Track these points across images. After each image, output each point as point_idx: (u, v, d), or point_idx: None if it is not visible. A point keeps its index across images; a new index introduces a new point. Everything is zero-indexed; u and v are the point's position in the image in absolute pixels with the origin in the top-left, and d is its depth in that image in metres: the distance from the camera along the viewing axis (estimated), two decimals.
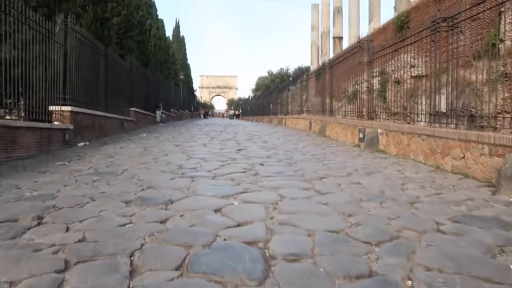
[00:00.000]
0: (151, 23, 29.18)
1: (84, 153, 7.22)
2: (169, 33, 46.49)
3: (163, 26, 35.42)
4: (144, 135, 12.10)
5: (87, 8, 16.20)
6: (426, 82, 10.17)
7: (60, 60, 8.22)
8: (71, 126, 8.36)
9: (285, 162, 6.05)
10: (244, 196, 3.65)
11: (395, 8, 21.78)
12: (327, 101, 12.40)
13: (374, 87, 9.17)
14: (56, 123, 8.06)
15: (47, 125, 7.36)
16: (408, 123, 9.71)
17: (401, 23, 14.06)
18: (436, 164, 5.75)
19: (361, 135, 8.78)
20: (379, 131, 7.80)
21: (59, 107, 8.23)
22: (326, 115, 12.40)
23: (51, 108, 8.11)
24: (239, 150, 7.74)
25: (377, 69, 9.54)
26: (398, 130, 7.07)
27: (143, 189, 3.90)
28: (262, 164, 5.76)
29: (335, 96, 11.86)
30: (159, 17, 34.02)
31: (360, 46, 9.31)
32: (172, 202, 3.38)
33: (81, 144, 8.74)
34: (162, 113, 20.40)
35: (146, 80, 18.05)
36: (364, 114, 9.36)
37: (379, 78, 9.67)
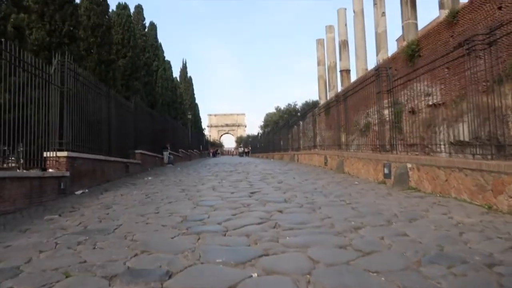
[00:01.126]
0: (158, 65, 29.35)
1: (79, 203, 6.46)
2: (176, 74, 47.05)
3: (170, 67, 35.72)
4: (150, 178, 11.36)
5: (92, 51, 16.05)
6: (445, 110, 9.44)
7: (56, 103, 7.65)
8: (68, 173, 7.65)
9: (307, 207, 5.19)
10: (264, 262, 2.80)
11: (402, 37, 21.45)
12: (343, 134, 11.63)
13: (395, 117, 8.40)
14: (50, 170, 7.37)
15: (38, 173, 6.64)
16: (428, 154, 8.84)
17: (412, 52, 13.50)
18: (487, 203, 4.84)
19: (386, 171, 7.92)
20: (409, 165, 6.93)
21: (54, 152, 7.58)
22: (343, 149, 11.58)
23: (46, 154, 7.46)
24: (252, 193, 6.90)
25: (397, 97, 8.84)
26: (432, 164, 6.20)
27: (136, 255, 3.08)
28: (281, 211, 4.91)
29: (350, 129, 11.09)
30: (166, 58, 34.38)
31: (377, 74, 8.64)
32: (170, 276, 2.54)
33: (79, 192, 8.01)
34: (169, 154, 19.77)
35: (152, 120, 17.56)
36: (386, 146, 8.53)
37: (396, 107, 8.96)
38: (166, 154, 19.27)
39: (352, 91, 10.76)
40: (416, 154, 7.30)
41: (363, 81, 9.95)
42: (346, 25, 31.18)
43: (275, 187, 7.77)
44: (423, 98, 10.97)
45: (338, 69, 32.02)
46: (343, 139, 11.72)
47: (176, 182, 9.61)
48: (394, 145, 8.39)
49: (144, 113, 15.99)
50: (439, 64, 7.81)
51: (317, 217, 4.48)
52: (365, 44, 28.28)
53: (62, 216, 5.21)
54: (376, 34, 24.43)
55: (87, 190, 8.28)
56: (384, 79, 8.48)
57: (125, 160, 12.17)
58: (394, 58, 15.62)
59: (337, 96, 12.83)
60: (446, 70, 10.13)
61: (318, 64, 36.67)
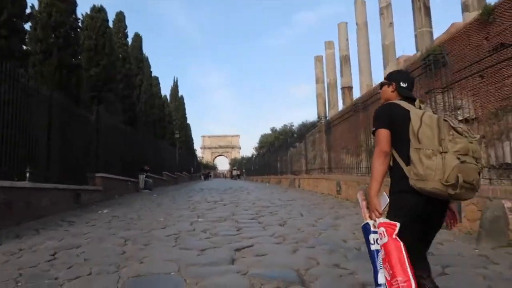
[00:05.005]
0: (142, 79, 26.61)
1: None
2: (167, 92, 44.45)
3: (158, 83, 33.07)
4: (105, 211, 8.38)
5: (51, 53, 13.24)
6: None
7: None
8: None
9: None
10: None
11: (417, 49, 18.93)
12: (364, 154, 8.77)
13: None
14: None
15: None
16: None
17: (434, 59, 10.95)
18: None
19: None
20: (508, 204, 4.05)
21: None
22: (365, 173, 8.69)
23: None
24: (237, 251, 3.97)
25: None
26: None
27: None
28: None
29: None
30: (154, 74, 31.76)
31: (426, 65, 5.88)
32: None
33: None
34: (147, 177, 16.73)
35: (124, 138, 14.62)
36: None
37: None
38: (142, 178, 16.21)
39: (377, 97, 7.92)
40: None
41: None
42: (347, 39, 28.89)
43: (277, 235, 4.82)
44: (450, 113, 8.23)
45: (339, 87, 29.59)
46: (363, 160, 8.85)
47: (131, 221, 6.63)
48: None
49: (111, 128, 13.06)
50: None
51: None
52: (369, 58, 25.88)
53: None
54: (383, 46, 21.95)
55: None
56: (439, 72, 5.71)
57: (74, 187, 9.17)
58: (407, 69, 12.93)
59: (356, 104, 10.01)
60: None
61: (317, 82, 34.23)
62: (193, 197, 11.76)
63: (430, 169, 1.77)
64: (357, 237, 4.64)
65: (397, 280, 1.75)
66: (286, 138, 31.45)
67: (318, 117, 18.22)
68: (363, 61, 25.89)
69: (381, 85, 2.24)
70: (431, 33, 17.12)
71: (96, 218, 7.29)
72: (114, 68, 18.18)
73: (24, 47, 11.05)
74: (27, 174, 7.38)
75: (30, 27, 12.87)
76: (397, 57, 28.95)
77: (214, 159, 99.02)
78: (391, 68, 21.87)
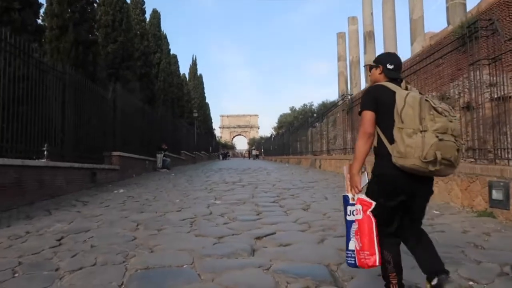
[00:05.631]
0: (161, 57, 26.22)
1: None
2: (185, 70, 44.12)
3: (176, 61, 32.66)
4: (121, 191, 8.16)
5: (68, 29, 12.91)
6: None
7: None
8: None
9: None
10: None
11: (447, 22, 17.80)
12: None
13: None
14: None
15: None
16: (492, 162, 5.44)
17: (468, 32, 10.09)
18: None
19: (495, 195, 4.51)
20: None
21: None
22: None
23: None
24: (258, 238, 3.58)
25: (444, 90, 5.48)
26: None
27: None
28: None
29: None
30: (173, 52, 31.30)
31: (472, 32, 5.24)
32: None
33: None
34: (165, 156, 16.52)
35: (142, 116, 14.36)
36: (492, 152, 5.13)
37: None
38: (160, 157, 16.00)
39: (415, 68, 7.29)
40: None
41: (435, 52, 6.55)
42: (372, 14, 27.65)
43: (301, 222, 4.41)
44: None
45: (362, 64, 28.48)
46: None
47: (146, 202, 6.34)
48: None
49: (129, 106, 12.77)
50: None
51: None
52: (395, 34, 24.67)
53: None
54: (411, 21, 20.82)
55: None
56: (484, 41, 5.07)
57: (90, 165, 8.96)
58: (439, 44, 12.10)
59: None
60: None
61: (339, 59, 33.13)
62: (211, 177, 11.45)
63: (410, 146, 1.87)
64: None
65: (364, 253, 1.98)
66: (306, 117, 30.79)
67: (341, 96, 17.48)
68: (388, 37, 24.71)
69: (370, 67, 2.31)
70: (464, 5, 15.97)
71: (111, 198, 7.04)
72: (131, 45, 17.82)
73: (40, 22, 10.80)
74: (45, 152, 7.17)
75: (46, 1, 12.55)
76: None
77: (232, 138, 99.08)
78: (419, 44, 20.75)
